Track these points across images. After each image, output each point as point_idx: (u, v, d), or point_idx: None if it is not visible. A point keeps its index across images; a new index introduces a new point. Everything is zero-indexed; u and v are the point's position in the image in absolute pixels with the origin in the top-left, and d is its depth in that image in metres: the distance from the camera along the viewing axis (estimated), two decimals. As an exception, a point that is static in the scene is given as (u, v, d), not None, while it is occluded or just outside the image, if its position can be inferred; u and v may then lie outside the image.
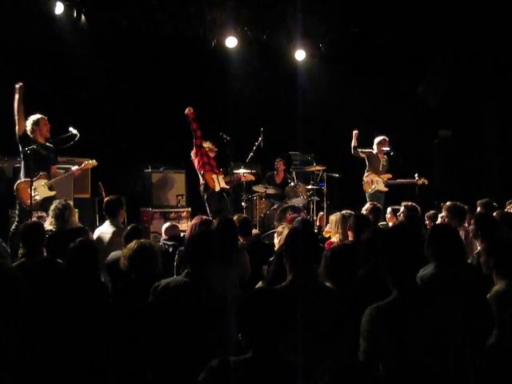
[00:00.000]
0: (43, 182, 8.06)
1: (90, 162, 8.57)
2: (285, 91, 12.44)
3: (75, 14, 10.20)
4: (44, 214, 7.96)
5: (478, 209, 7.87)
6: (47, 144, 8.26)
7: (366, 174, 10.63)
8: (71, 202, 7.72)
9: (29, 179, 7.66)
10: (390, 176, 10.59)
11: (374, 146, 10.65)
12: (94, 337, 3.99)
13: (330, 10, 11.75)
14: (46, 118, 8.25)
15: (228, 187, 9.64)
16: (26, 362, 3.57)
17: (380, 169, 10.62)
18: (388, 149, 10.55)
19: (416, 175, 10.21)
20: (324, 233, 7.96)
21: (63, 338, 3.98)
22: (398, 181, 10.53)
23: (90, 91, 10.45)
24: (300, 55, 12.44)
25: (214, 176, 9.58)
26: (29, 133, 8.10)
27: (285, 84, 12.50)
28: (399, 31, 12.06)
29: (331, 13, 11.84)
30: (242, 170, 10.36)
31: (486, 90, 12.92)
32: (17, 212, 8.06)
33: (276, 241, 5.93)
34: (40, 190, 7.98)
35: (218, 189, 9.54)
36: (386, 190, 10.53)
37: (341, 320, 3.69)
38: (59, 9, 9.76)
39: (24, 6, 9.61)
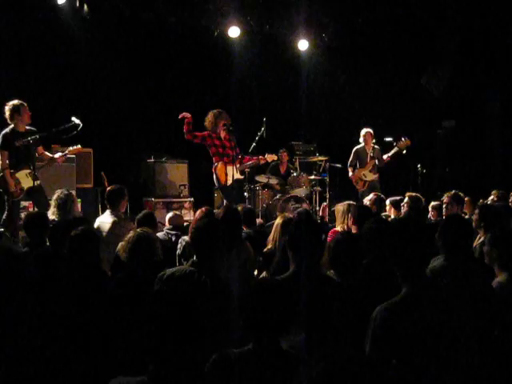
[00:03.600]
0: (26, 171, 7.94)
1: (74, 147, 8.28)
2: (287, 81, 12.40)
3: (78, 4, 10.17)
4: (27, 204, 7.97)
5: (491, 197, 7.89)
6: (28, 128, 8.01)
7: (350, 174, 10.62)
8: (74, 192, 7.71)
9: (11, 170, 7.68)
10: (373, 162, 10.49)
11: (361, 139, 10.58)
12: (95, 326, 3.99)
13: (333, 0, 11.71)
14: (25, 104, 7.97)
15: (242, 177, 9.43)
16: (29, 351, 3.58)
17: (368, 161, 10.57)
18: (391, 139, 10.54)
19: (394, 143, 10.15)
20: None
21: (66, 328, 3.98)
22: (384, 157, 10.44)
23: (92, 80, 10.43)
24: (303, 45, 12.40)
25: (229, 168, 9.21)
26: (8, 121, 7.89)
27: (287, 74, 12.46)
28: (402, 21, 12.01)
29: (334, 3, 11.80)
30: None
31: (489, 80, 12.87)
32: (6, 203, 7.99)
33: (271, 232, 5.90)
34: (23, 180, 7.92)
35: (230, 182, 9.27)
36: (376, 176, 10.48)
37: (343, 310, 3.68)
38: (62, -2, 9.74)
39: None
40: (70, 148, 8.29)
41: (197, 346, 2.64)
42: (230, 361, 2.74)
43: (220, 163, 9.09)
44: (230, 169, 9.07)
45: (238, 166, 9.12)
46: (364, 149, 10.56)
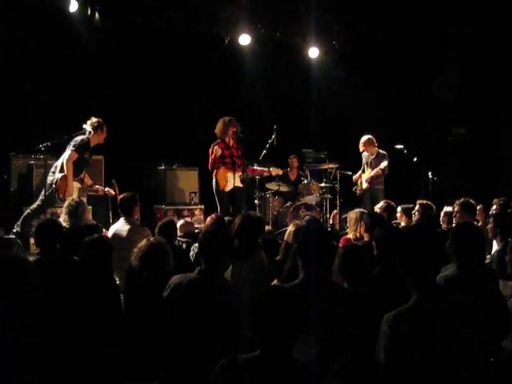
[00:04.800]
0: (77, 185, 8.21)
1: (111, 191, 8.55)
2: (298, 89, 12.40)
3: (89, 12, 10.22)
4: (58, 211, 8.07)
5: (494, 207, 7.82)
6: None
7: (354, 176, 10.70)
8: (84, 199, 7.76)
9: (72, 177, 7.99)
10: (370, 171, 10.46)
11: (361, 147, 10.56)
12: (106, 333, 3.99)
13: (344, 7, 11.71)
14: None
15: (242, 185, 9.49)
16: (37, 360, 3.58)
17: (366, 168, 10.57)
18: (402, 146, 10.51)
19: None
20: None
21: (76, 335, 3.99)
22: (372, 174, 10.40)
23: (103, 88, 10.47)
24: (314, 53, 12.39)
25: (230, 175, 9.37)
26: (88, 131, 8.21)
27: (298, 81, 12.47)
28: (413, 28, 12.00)
29: (345, 10, 11.81)
30: (267, 167, 10.22)
31: (500, 87, 12.83)
32: (42, 197, 8.14)
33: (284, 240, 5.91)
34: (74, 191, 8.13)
35: (228, 188, 9.35)
36: (366, 186, 10.45)
37: (353, 319, 3.67)
38: (73, 6, 9.78)
39: (38, 3, 9.64)
40: (108, 189, 8.59)
41: (206, 353, 2.64)
42: (238, 366, 2.74)
43: (222, 168, 9.20)
44: (230, 175, 9.15)
45: (239, 174, 9.19)
46: (367, 155, 10.59)
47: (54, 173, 8.10)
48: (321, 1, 10.85)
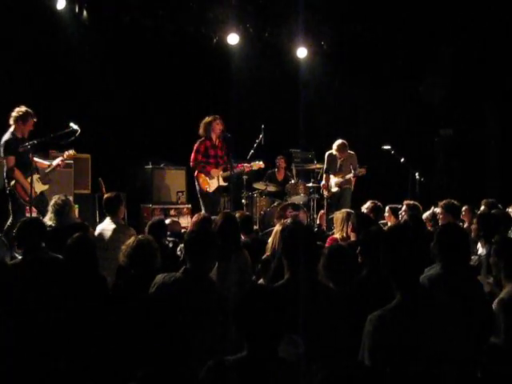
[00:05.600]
0: (36, 176, 8.01)
1: (70, 152, 8.32)
2: (286, 88, 12.41)
3: (77, 10, 10.18)
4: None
5: (482, 207, 7.85)
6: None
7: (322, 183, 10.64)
8: (71, 198, 7.70)
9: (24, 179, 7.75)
10: (342, 175, 10.41)
11: (334, 150, 10.43)
12: (93, 332, 3.98)
13: (332, 8, 11.73)
14: (33, 114, 8.06)
15: (226, 184, 9.47)
16: (24, 358, 3.57)
17: (337, 170, 10.52)
18: (389, 147, 10.52)
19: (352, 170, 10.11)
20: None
21: (62, 334, 3.98)
22: (342, 180, 10.36)
23: (90, 86, 10.43)
24: (302, 53, 12.42)
25: (213, 171, 9.25)
26: (11, 124, 7.93)
27: (286, 81, 12.48)
28: (401, 29, 12.04)
29: (333, 10, 11.83)
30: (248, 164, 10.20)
31: (487, 88, 12.89)
32: (10, 207, 8.00)
33: (270, 239, 5.91)
34: (35, 184, 7.95)
35: (212, 189, 9.32)
36: (337, 189, 10.41)
37: (338, 319, 3.67)
38: (61, 4, 9.73)
39: (26, 0, 9.59)
40: (67, 153, 8.33)
41: (187, 352, 2.63)
42: (225, 368, 2.73)
43: (203, 172, 9.23)
44: (214, 172, 9.14)
45: (221, 173, 9.18)
46: (335, 157, 10.49)
47: (8, 182, 7.94)
48: (309, 1, 10.86)
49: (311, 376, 2.33)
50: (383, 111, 12.54)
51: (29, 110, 8.02)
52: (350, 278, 4.27)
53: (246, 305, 2.82)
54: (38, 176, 8.05)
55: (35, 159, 8.09)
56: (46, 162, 8.36)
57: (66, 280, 4.37)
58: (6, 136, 7.93)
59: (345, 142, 10.38)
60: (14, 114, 7.95)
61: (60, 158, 8.34)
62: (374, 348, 2.94)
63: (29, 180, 7.79)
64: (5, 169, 7.93)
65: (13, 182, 7.89)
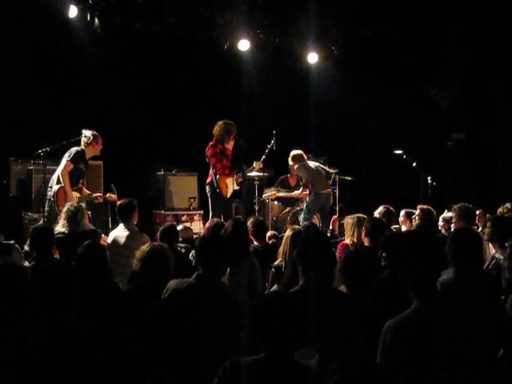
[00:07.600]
0: (77, 195, 8.21)
1: (113, 196, 8.53)
2: (297, 94, 12.41)
3: (89, 18, 10.23)
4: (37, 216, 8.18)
5: (500, 209, 7.80)
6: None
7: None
8: (83, 205, 7.74)
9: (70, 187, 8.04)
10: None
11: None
12: (104, 338, 3.98)
13: (343, 13, 11.73)
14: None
15: (239, 188, 9.47)
16: (34, 364, 3.57)
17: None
18: (401, 151, 10.49)
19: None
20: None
21: (73, 340, 3.98)
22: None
23: (102, 93, 10.48)
24: (313, 58, 12.41)
25: (229, 180, 9.29)
26: (83, 143, 8.27)
27: (297, 87, 12.48)
28: (411, 33, 12.01)
29: (344, 15, 11.83)
30: (253, 173, 10.27)
31: (499, 92, 12.83)
32: (45, 214, 8.14)
33: (281, 246, 5.90)
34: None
35: (229, 194, 9.34)
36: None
37: (353, 325, 3.66)
38: (73, 12, 9.79)
39: (38, 8, 9.65)
40: (108, 194, 8.59)
41: (198, 357, 2.63)
42: (241, 369, 2.75)
43: (222, 176, 9.19)
44: (229, 181, 9.16)
45: (235, 177, 9.19)
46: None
47: (51, 187, 8.13)
48: (319, 6, 10.86)
49: (326, 379, 2.32)
50: (395, 116, 12.50)
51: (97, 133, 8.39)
52: (365, 284, 4.25)
53: (265, 311, 2.83)
54: (78, 195, 8.21)
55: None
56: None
57: (75, 286, 4.38)
58: (76, 148, 8.23)
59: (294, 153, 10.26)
60: (89, 132, 8.30)
61: (100, 194, 8.67)
62: (390, 354, 2.94)
63: (74, 194, 8.10)
64: (59, 170, 8.12)
65: (56, 188, 7.99)
